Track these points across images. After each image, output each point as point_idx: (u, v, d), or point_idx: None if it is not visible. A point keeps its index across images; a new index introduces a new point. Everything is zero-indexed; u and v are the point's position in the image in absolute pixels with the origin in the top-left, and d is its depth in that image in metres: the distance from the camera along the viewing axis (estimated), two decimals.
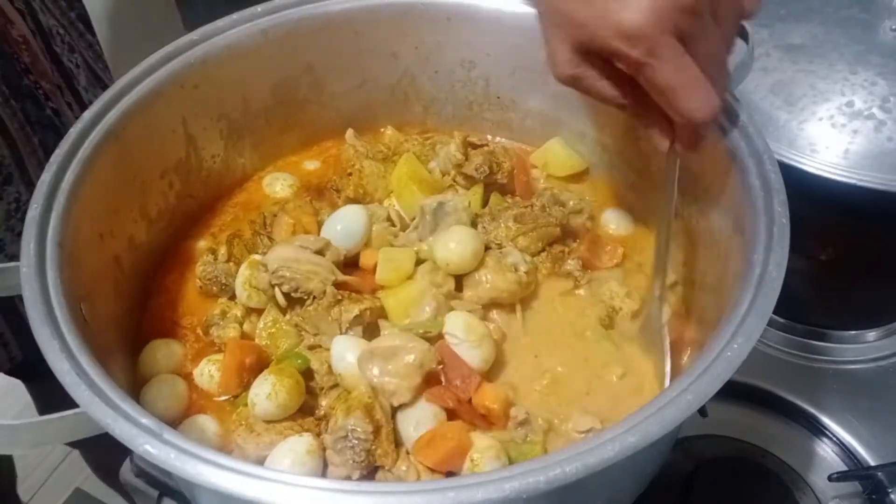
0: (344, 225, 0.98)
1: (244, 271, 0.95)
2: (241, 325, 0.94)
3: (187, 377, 0.91)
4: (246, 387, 0.88)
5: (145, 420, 0.64)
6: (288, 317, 0.93)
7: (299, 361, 0.88)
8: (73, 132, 0.87)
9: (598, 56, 0.76)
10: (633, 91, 0.78)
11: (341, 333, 0.89)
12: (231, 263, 0.98)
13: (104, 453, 1.16)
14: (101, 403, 0.65)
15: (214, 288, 0.97)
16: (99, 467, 1.83)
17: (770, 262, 0.72)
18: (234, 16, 1.01)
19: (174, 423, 0.87)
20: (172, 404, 0.88)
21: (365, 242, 0.98)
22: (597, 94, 0.80)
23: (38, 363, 0.70)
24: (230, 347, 0.90)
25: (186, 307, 0.98)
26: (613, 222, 1.06)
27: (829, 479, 1.00)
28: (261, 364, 0.89)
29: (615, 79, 0.78)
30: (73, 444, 1.98)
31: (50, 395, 0.74)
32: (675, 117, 0.77)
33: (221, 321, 0.94)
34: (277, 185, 1.12)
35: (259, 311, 0.95)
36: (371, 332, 0.91)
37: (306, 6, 1.03)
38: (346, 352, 0.86)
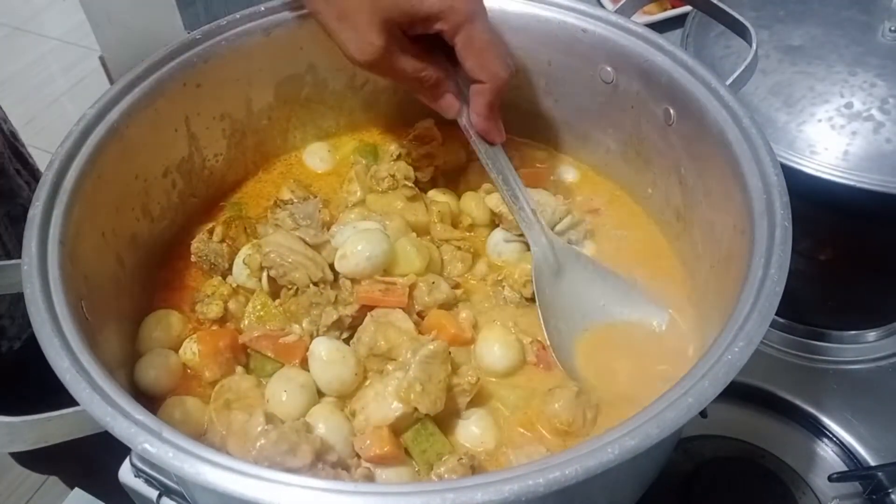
0: (364, 247, 0.93)
1: (246, 250, 0.97)
2: (225, 302, 0.95)
3: None
4: (229, 369, 0.90)
5: (144, 418, 0.64)
6: (277, 302, 0.94)
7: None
8: (76, 130, 0.87)
9: (402, 30, 0.87)
10: (427, 66, 0.91)
11: (318, 335, 0.90)
12: (224, 244, 0.99)
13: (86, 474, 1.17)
14: (100, 401, 0.65)
15: (205, 266, 0.99)
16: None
17: (772, 265, 0.72)
18: (237, 15, 1.01)
19: (163, 396, 0.88)
20: (163, 374, 0.89)
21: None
22: (400, 71, 0.90)
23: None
24: (201, 337, 0.91)
25: (187, 305, 0.98)
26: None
27: (829, 479, 1.00)
28: (236, 345, 0.91)
29: (416, 53, 0.90)
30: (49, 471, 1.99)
31: None
32: (482, 76, 0.90)
33: (207, 298, 0.95)
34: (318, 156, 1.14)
35: (248, 293, 0.96)
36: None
37: None
38: (320, 351, 0.87)
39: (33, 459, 1.78)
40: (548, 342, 0.91)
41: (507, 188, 0.96)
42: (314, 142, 1.16)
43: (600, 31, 0.99)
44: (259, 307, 0.94)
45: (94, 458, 1.05)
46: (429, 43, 0.91)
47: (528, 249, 0.99)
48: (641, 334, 0.93)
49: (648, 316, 0.94)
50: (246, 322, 0.94)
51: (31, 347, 0.71)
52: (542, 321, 0.92)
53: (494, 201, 1.02)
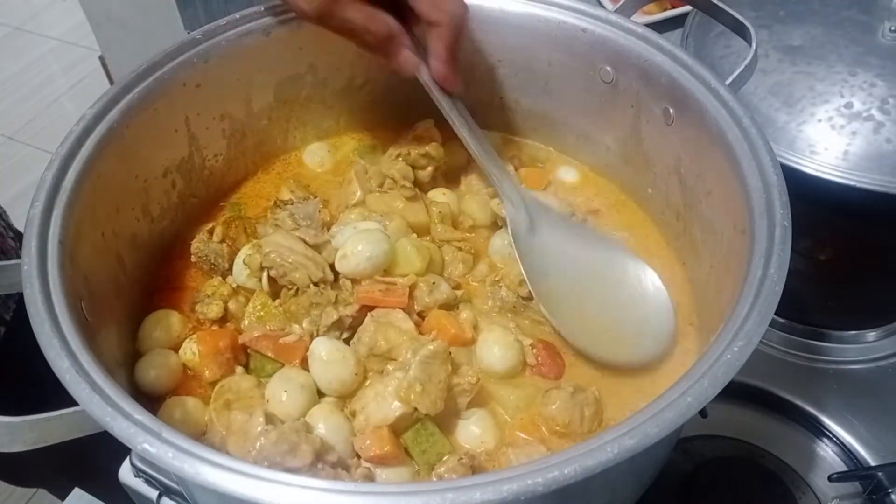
0: (364, 247, 0.93)
1: (246, 250, 0.97)
2: (225, 303, 0.95)
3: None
4: (229, 369, 0.90)
5: (144, 419, 0.64)
6: (277, 302, 0.94)
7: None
8: (76, 130, 0.87)
9: None
10: (376, 15, 0.89)
11: (318, 335, 0.90)
12: (224, 244, 0.99)
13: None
14: (100, 401, 0.65)
15: (205, 266, 1.00)
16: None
17: (771, 265, 0.72)
18: (237, 15, 1.01)
19: (163, 396, 0.88)
20: (163, 374, 0.89)
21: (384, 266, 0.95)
22: (350, 22, 0.88)
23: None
24: (201, 337, 0.91)
25: (187, 305, 0.98)
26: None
27: (829, 479, 1.00)
28: (236, 345, 0.91)
29: (364, 2, 0.88)
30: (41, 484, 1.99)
31: None
32: (438, 16, 0.89)
33: (207, 298, 0.95)
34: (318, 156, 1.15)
35: (248, 293, 0.96)
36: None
37: None
38: (321, 351, 0.87)
39: (14, 476, 1.78)
40: (534, 296, 0.93)
41: (474, 142, 0.97)
42: (314, 142, 1.16)
43: (600, 31, 0.99)
44: (259, 307, 0.94)
45: (92, 458, 1.05)
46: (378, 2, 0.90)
47: None
48: (619, 290, 0.95)
49: (626, 271, 0.96)
50: (246, 322, 0.94)
51: (27, 344, 0.71)
52: (524, 273, 0.93)
53: (499, 204, 1.02)
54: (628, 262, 0.97)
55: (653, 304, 0.93)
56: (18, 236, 1.47)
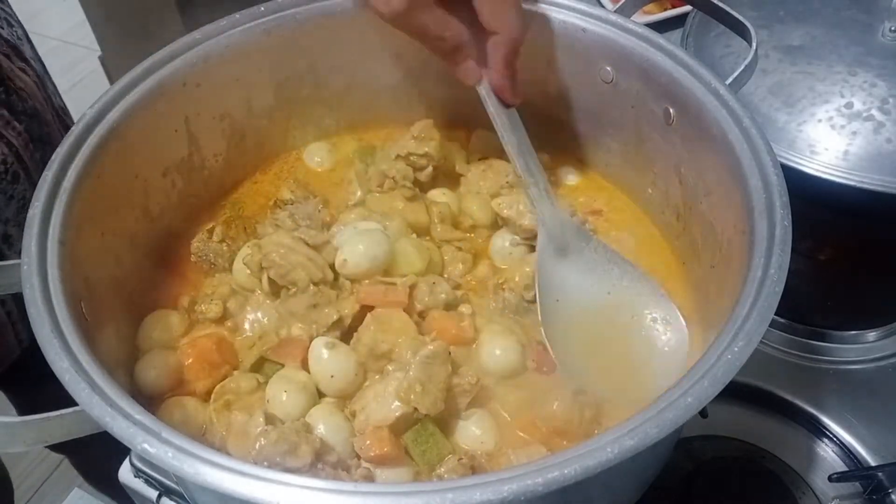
0: (364, 247, 0.94)
1: (246, 250, 0.97)
2: (225, 302, 0.95)
3: None
4: (221, 374, 0.90)
5: (144, 419, 0.64)
6: (277, 302, 0.94)
7: None
8: (76, 130, 0.87)
9: None
10: (450, 24, 0.90)
11: (318, 335, 0.90)
12: (224, 244, 0.99)
13: (94, 461, 1.18)
14: (100, 402, 0.65)
15: (205, 265, 1.00)
16: (89, 475, 1.85)
17: (771, 265, 0.72)
18: (237, 15, 1.01)
19: (163, 395, 0.88)
20: (163, 374, 0.89)
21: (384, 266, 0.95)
22: (423, 27, 0.90)
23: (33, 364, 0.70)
24: (183, 351, 0.91)
25: (187, 305, 0.98)
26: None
27: (829, 479, 1.00)
28: (223, 351, 0.91)
29: (443, 8, 0.88)
30: (62, 450, 2.00)
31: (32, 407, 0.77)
32: (501, 29, 0.90)
33: (207, 298, 0.96)
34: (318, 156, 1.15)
35: (248, 293, 0.97)
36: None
37: (309, 5, 1.03)
38: (321, 351, 0.87)
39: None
40: (542, 330, 0.90)
41: (521, 159, 0.95)
42: (314, 142, 1.16)
43: (600, 31, 0.99)
44: (259, 307, 0.94)
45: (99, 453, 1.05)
46: (450, 6, 0.90)
47: (533, 251, 0.99)
48: (644, 334, 0.92)
49: (657, 314, 0.93)
50: (245, 322, 0.94)
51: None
52: (538, 300, 0.91)
53: (501, 205, 1.02)
54: (656, 309, 0.92)
55: (665, 364, 0.88)
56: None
